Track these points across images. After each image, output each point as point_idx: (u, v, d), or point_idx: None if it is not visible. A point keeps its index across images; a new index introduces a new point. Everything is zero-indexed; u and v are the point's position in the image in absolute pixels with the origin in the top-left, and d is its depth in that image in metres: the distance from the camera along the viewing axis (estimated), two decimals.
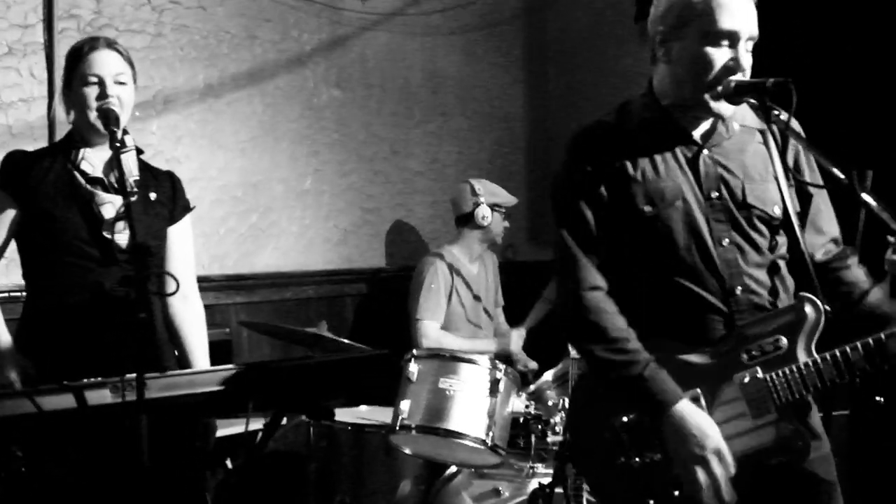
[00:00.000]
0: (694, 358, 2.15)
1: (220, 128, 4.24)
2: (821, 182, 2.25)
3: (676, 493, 2.09)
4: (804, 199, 2.26)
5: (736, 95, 2.09)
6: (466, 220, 4.46)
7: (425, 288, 4.31)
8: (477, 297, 4.46)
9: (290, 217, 4.51)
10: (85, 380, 2.36)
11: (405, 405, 3.35)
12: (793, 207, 2.19)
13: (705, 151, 2.21)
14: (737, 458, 2.05)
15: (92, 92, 2.77)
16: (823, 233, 2.29)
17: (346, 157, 4.71)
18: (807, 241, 2.22)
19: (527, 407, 3.53)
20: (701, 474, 2.03)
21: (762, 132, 2.23)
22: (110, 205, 2.78)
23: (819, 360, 2.07)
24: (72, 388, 2.24)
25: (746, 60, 2.12)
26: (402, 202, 4.96)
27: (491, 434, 3.27)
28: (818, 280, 2.15)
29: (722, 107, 2.13)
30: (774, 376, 2.09)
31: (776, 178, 2.19)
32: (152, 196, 2.93)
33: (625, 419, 2.15)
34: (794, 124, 2.13)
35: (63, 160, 2.82)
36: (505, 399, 3.37)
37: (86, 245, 2.77)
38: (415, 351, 3.47)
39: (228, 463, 3.88)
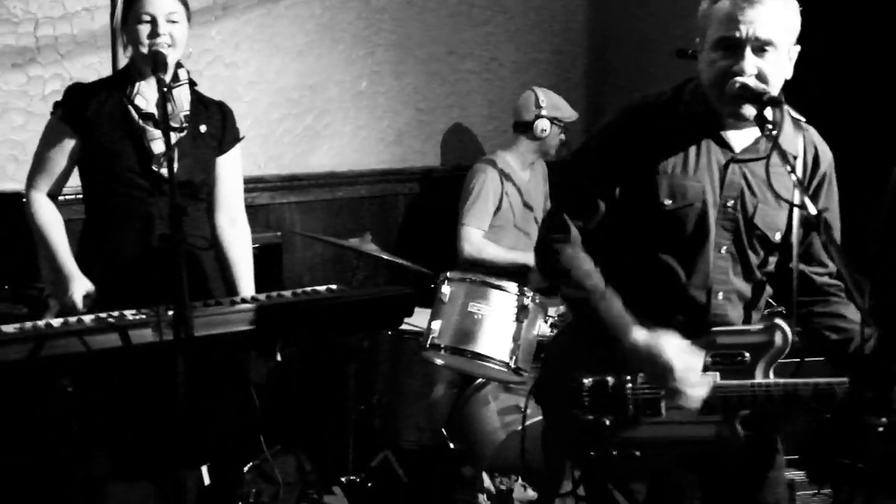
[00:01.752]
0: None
1: (278, 31, 4.34)
2: (836, 218, 2.35)
3: (615, 453, 2.28)
4: (809, 228, 2.29)
5: (738, 98, 2.13)
6: (525, 129, 4.52)
7: (474, 194, 4.43)
8: (527, 205, 4.55)
9: (344, 118, 4.63)
10: (128, 312, 2.62)
11: (436, 325, 3.56)
12: (797, 237, 2.26)
13: (737, 161, 2.26)
14: (680, 441, 2.24)
15: (145, 30, 2.88)
16: (823, 264, 2.37)
17: (403, 58, 4.78)
18: (805, 269, 2.33)
19: (552, 330, 3.70)
20: (674, 390, 2.21)
21: (795, 157, 2.26)
22: (160, 140, 2.93)
23: (771, 384, 2.21)
24: (116, 328, 2.49)
25: (755, 64, 2.13)
26: (457, 103, 5.03)
27: (515, 357, 3.47)
28: (809, 302, 2.32)
29: (747, 109, 2.15)
30: (728, 385, 2.23)
31: (791, 205, 2.24)
32: (202, 129, 3.07)
33: (587, 381, 2.30)
34: (813, 144, 2.24)
35: (119, 94, 2.97)
36: (531, 324, 3.55)
37: (137, 177, 2.94)
38: (448, 273, 3.64)
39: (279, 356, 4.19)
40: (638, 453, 2.28)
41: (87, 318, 2.60)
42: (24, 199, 3.02)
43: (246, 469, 3.74)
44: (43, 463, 2.78)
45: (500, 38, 5.10)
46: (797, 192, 2.20)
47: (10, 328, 2.51)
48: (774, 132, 2.05)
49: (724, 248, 2.27)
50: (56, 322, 2.57)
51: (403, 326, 3.96)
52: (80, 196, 3.10)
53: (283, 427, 4.00)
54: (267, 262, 4.07)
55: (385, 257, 3.93)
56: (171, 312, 2.46)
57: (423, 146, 4.94)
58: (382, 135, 4.78)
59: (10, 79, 3.64)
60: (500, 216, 4.48)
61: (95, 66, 3.76)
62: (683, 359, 2.20)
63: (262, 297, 2.92)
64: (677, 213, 2.26)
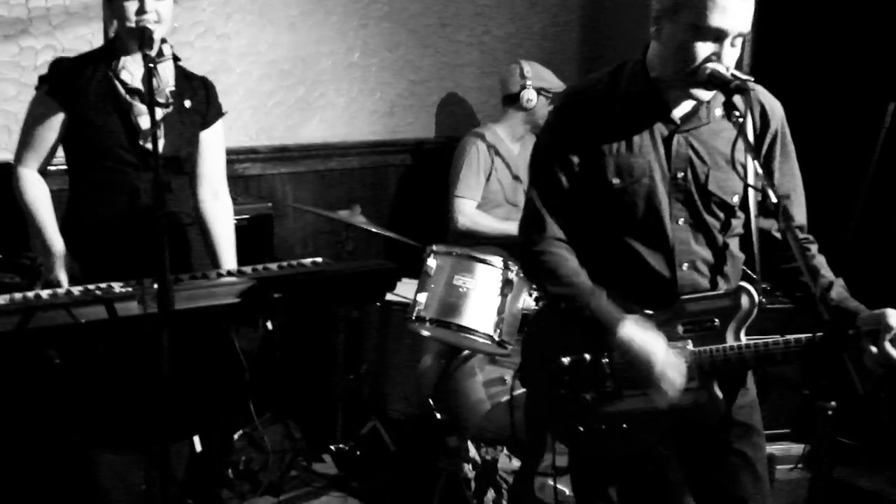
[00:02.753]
0: (635, 319, 2.32)
1: (270, 3, 4.34)
2: (795, 173, 2.37)
3: (603, 427, 2.34)
4: (770, 184, 2.34)
5: (707, 83, 2.16)
6: (512, 101, 4.55)
7: (465, 167, 4.46)
8: (516, 178, 4.58)
9: (337, 89, 4.65)
10: (115, 285, 2.67)
11: (422, 297, 3.62)
12: (754, 196, 2.28)
13: (681, 133, 2.30)
14: (661, 411, 2.28)
15: (132, 6, 2.89)
16: (790, 218, 2.33)
17: (395, 29, 4.78)
18: (768, 223, 2.35)
19: (537, 303, 3.75)
20: (654, 392, 2.26)
21: (743, 116, 2.29)
22: (147, 115, 2.96)
23: (743, 346, 2.26)
24: (102, 300, 2.53)
25: (729, 55, 2.16)
26: (450, 75, 5.04)
27: (499, 330, 3.53)
28: (776, 259, 2.33)
29: (699, 92, 2.21)
30: (701, 351, 2.29)
31: (744, 166, 2.27)
32: (187, 104, 3.10)
33: (566, 360, 2.36)
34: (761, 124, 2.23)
35: (105, 68, 2.99)
36: (516, 297, 3.60)
37: (124, 151, 2.97)
38: (434, 246, 3.69)
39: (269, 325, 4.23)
40: (625, 426, 2.34)
41: (76, 290, 2.65)
42: (12, 174, 3.05)
43: (236, 437, 3.80)
44: (32, 431, 2.83)
45: (493, 10, 5.10)
46: (749, 155, 2.25)
47: (1, 299, 2.56)
48: (741, 119, 2.08)
49: (682, 219, 2.31)
50: (45, 294, 2.62)
51: (392, 297, 4.03)
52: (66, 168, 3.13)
53: (272, 396, 4.06)
54: (258, 232, 4.12)
55: (373, 230, 3.97)
56: (155, 286, 2.51)
57: (416, 118, 4.96)
58: (375, 106, 4.80)
59: (3, 49, 3.67)
60: (490, 188, 4.51)
61: (87, 38, 3.77)
62: (670, 361, 2.25)
63: (247, 269, 2.96)
64: (627, 191, 2.30)
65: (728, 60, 2.17)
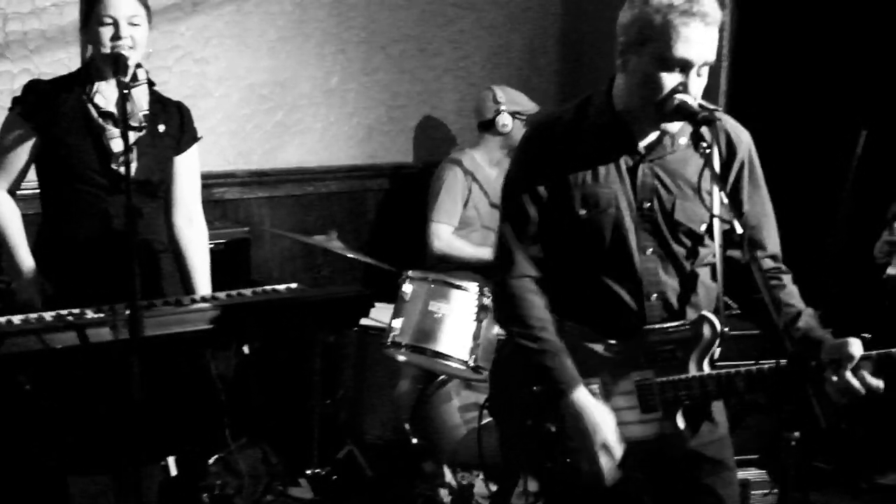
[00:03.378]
0: (600, 349, 2.33)
1: (249, 28, 4.37)
2: (765, 201, 2.38)
3: (569, 460, 2.32)
4: (738, 217, 2.35)
5: (675, 115, 2.18)
6: (487, 127, 4.57)
7: (442, 192, 4.47)
8: (494, 205, 4.60)
9: (315, 114, 4.67)
10: (88, 311, 2.66)
11: (397, 323, 3.62)
12: (719, 225, 2.27)
13: (646, 162, 2.31)
14: (625, 442, 2.27)
15: (107, 32, 2.91)
16: (762, 247, 2.39)
17: (373, 55, 4.81)
18: (741, 256, 2.33)
19: None
20: (587, 462, 2.26)
21: (710, 147, 2.29)
22: (119, 139, 2.96)
23: (706, 376, 2.26)
24: (74, 326, 2.53)
25: (696, 85, 2.18)
26: (428, 100, 5.07)
27: (474, 356, 3.54)
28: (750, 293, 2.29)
29: (667, 124, 2.23)
30: (664, 381, 2.28)
31: (710, 195, 2.27)
32: (161, 128, 3.10)
33: (535, 388, 2.34)
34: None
35: (79, 92, 3.00)
36: (491, 323, 3.61)
37: (96, 175, 2.97)
38: (409, 272, 3.70)
39: (245, 349, 4.22)
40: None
41: (48, 316, 2.64)
42: None
43: (211, 461, 3.79)
44: (4, 455, 2.82)
45: (470, 35, 5.13)
46: (715, 185, 2.27)
47: None
48: (708, 150, 2.11)
49: (650, 249, 2.31)
50: (16, 319, 2.62)
51: (369, 323, 4.03)
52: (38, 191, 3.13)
53: (248, 420, 4.05)
54: (234, 256, 4.13)
55: (349, 255, 3.97)
56: (128, 312, 2.52)
57: (394, 143, 4.98)
58: (353, 131, 4.82)
59: None
60: (466, 214, 4.52)
61: (64, 62, 3.77)
62: (613, 440, 2.25)
63: (221, 295, 2.98)
64: (593, 221, 2.30)
65: (695, 90, 2.19)
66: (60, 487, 2.91)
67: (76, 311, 2.65)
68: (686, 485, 2.40)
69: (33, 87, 3.03)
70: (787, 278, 2.41)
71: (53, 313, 2.66)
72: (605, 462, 2.25)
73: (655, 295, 2.32)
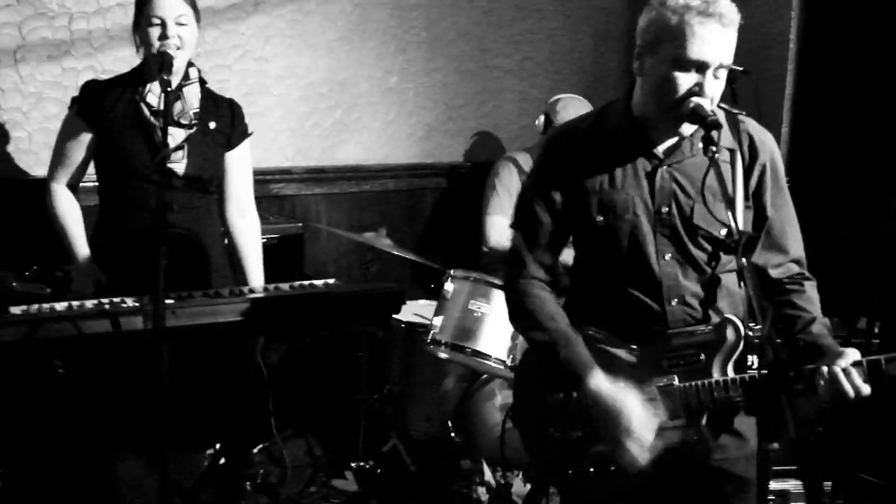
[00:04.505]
0: (622, 353, 2.32)
1: (308, 28, 4.46)
2: (789, 206, 2.35)
3: (592, 469, 2.32)
4: (760, 220, 2.33)
5: (689, 119, 2.17)
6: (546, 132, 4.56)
7: (499, 186, 4.49)
8: None
9: (374, 113, 4.73)
10: (128, 300, 2.77)
11: (438, 321, 3.66)
12: (743, 227, 2.23)
13: (664, 167, 2.29)
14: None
15: (155, 32, 3.02)
16: (784, 252, 2.36)
17: (434, 55, 4.85)
18: (763, 259, 2.33)
19: None
20: (618, 447, 2.23)
21: (732, 151, 2.28)
22: (171, 137, 3.07)
23: (728, 380, 2.22)
24: (108, 314, 2.64)
25: (713, 86, 2.17)
26: (488, 100, 5.09)
27: (512, 356, 3.55)
28: (766, 296, 2.26)
29: (684, 126, 2.22)
30: (687, 386, 2.25)
31: (732, 199, 2.24)
32: (212, 125, 3.20)
33: (553, 398, 2.36)
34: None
35: (132, 91, 3.12)
36: None
37: (148, 171, 3.08)
38: (452, 270, 3.73)
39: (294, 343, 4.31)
40: (613, 468, 2.30)
41: (89, 304, 2.76)
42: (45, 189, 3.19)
43: (255, 451, 3.88)
44: (44, 435, 2.95)
45: (533, 36, 5.14)
46: (738, 188, 2.24)
47: (17, 310, 2.68)
48: (717, 155, 2.09)
49: (668, 254, 2.29)
50: (59, 306, 2.74)
51: (417, 319, 4.08)
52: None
53: (295, 412, 4.13)
54: (288, 251, 4.22)
55: (396, 252, 4.02)
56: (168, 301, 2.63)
57: (453, 142, 5.01)
58: (411, 130, 4.87)
59: (46, 70, 3.83)
60: None
61: (127, 59, 3.87)
62: (640, 417, 2.22)
63: (260, 289, 3.06)
64: (610, 227, 2.31)
65: (711, 92, 2.17)
66: (104, 468, 3.03)
67: (115, 299, 2.75)
68: (709, 499, 2.37)
69: (90, 87, 3.16)
70: (808, 285, 2.38)
71: (95, 301, 2.78)
72: (632, 447, 2.21)
73: (676, 300, 2.31)
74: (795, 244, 2.39)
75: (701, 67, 2.15)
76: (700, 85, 2.16)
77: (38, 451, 2.99)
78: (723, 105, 2.36)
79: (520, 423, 2.56)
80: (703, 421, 2.26)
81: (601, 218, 2.31)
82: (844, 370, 2.10)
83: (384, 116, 4.77)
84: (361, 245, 4.53)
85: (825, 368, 2.13)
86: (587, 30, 5.40)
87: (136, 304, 2.73)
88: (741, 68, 3.79)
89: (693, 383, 2.26)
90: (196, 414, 3.06)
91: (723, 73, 2.19)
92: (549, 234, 2.39)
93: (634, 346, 2.33)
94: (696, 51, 2.13)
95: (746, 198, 2.30)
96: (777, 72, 4.73)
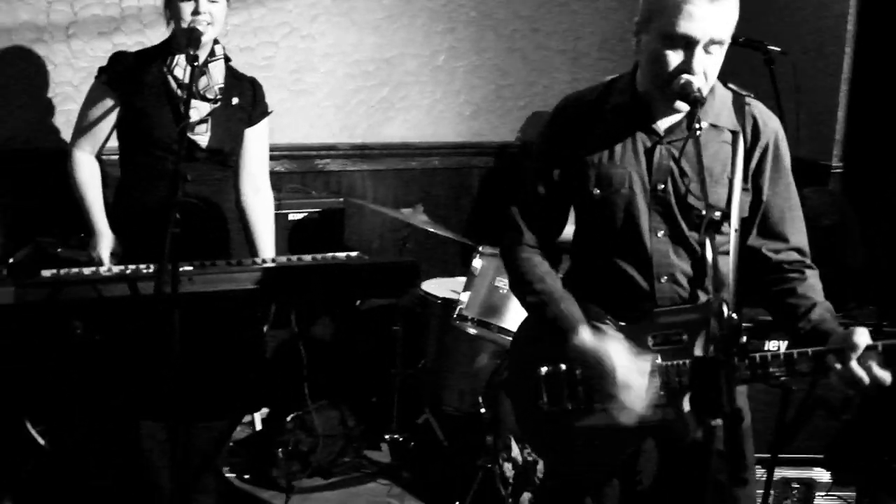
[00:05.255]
0: (609, 329, 2.31)
1: (356, 6, 4.52)
2: (790, 192, 2.32)
3: (578, 443, 2.32)
4: (756, 203, 2.31)
5: (678, 96, 2.15)
6: None
7: None
8: None
9: (421, 91, 4.78)
10: (143, 267, 2.88)
11: (465, 296, 3.70)
12: (738, 211, 2.22)
13: (664, 144, 2.28)
14: (629, 428, 2.24)
15: (188, 7, 3.09)
16: (784, 239, 2.33)
17: (484, 34, 4.86)
18: (760, 243, 2.32)
19: None
20: (611, 400, 2.23)
21: (734, 133, 2.26)
22: (195, 110, 3.16)
23: (706, 360, 2.19)
24: (126, 279, 2.75)
25: (704, 63, 2.13)
26: (538, 80, 5.08)
27: None
28: (767, 281, 2.31)
29: (679, 104, 2.19)
30: (669, 365, 2.24)
31: (730, 181, 2.22)
32: (234, 101, 3.27)
33: (545, 370, 2.36)
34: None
35: (160, 64, 3.21)
36: None
37: (172, 141, 3.18)
38: (481, 247, 3.76)
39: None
40: (598, 443, 2.32)
41: (116, 269, 2.88)
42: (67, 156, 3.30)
43: (288, 419, 3.98)
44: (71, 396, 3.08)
45: (585, 16, 5.10)
46: (738, 170, 2.22)
47: (47, 273, 2.81)
48: (699, 133, 2.07)
49: (661, 231, 2.28)
50: (87, 271, 2.86)
51: (453, 295, 4.12)
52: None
53: (329, 382, 4.23)
54: (328, 226, 4.30)
55: (430, 229, 4.06)
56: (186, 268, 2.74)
57: (502, 121, 5.02)
58: (460, 108, 4.90)
59: (97, 46, 3.98)
60: None
61: None
62: (628, 366, 2.21)
63: (282, 259, 3.14)
64: (606, 201, 2.30)
65: (700, 67, 2.13)
66: (131, 426, 3.15)
67: (133, 266, 2.86)
68: (696, 480, 2.30)
69: (119, 58, 3.25)
70: (810, 273, 2.34)
71: (121, 267, 2.89)
72: (625, 395, 2.20)
73: (666, 277, 2.30)
74: (796, 232, 2.35)
75: (689, 43, 2.13)
76: (687, 62, 2.14)
77: (66, 410, 3.12)
78: (730, 85, 2.34)
79: (511, 392, 2.58)
80: (685, 402, 2.23)
81: (598, 191, 2.31)
82: (860, 360, 2.06)
83: (431, 94, 4.81)
84: (401, 221, 4.59)
85: (837, 364, 2.09)
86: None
87: (154, 271, 2.83)
88: (778, 48, 3.77)
89: (673, 362, 2.24)
90: (214, 379, 3.14)
91: (717, 50, 2.16)
92: (547, 206, 2.40)
93: (623, 324, 2.32)
94: (682, 25, 2.11)
95: (745, 180, 2.28)
96: (834, 55, 4.61)
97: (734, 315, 2.09)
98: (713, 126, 2.28)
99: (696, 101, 2.08)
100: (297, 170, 4.53)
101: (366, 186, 4.72)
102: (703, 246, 2.03)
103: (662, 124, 2.30)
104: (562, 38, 5.10)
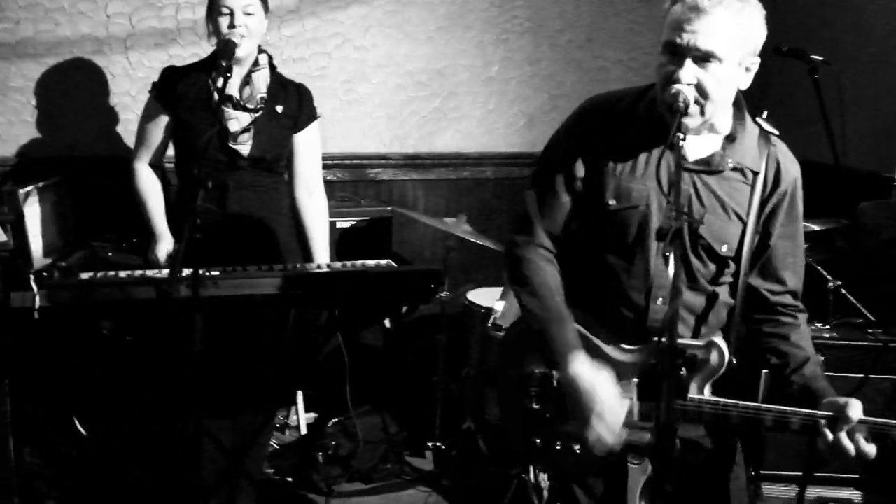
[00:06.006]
0: (609, 350, 2.31)
1: (408, 18, 4.58)
2: (797, 238, 2.33)
3: (558, 446, 2.33)
4: (763, 246, 2.31)
5: (666, 105, 2.13)
6: None
7: None
8: None
9: (473, 102, 4.81)
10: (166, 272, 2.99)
11: (499, 305, 3.72)
12: (749, 252, 2.23)
13: (689, 170, 2.25)
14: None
15: (224, 21, 3.22)
16: (783, 282, 2.34)
17: (538, 44, 4.87)
18: (758, 283, 2.33)
19: None
20: (588, 430, 2.22)
21: (755, 174, 2.26)
22: (235, 120, 3.26)
23: (702, 402, 2.21)
24: (153, 282, 2.85)
25: (694, 74, 2.11)
26: (594, 90, 4.99)
27: None
28: (759, 319, 2.35)
29: (710, 138, 2.21)
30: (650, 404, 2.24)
31: (744, 221, 2.24)
32: (279, 109, 3.37)
33: (535, 371, 2.36)
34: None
35: (205, 76, 3.33)
36: None
37: (217, 151, 3.28)
38: None
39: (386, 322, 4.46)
40: (578, 449, 2.32)
41: (137, 273, 3.00)
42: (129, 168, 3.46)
43: (329, 424, 4.05)
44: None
45: (641, 26, 5.06)
46: (753, 209, 2.21)
47: (86, 275, 2.94)
48: (681, 143, 2.05)
49: (667, 254, 2.25)
50: (123, 274, 2.98)
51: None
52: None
53: (373, 389, 4.28)
54: (376, 234, 4.37)
55: (471, 239, 4.08)
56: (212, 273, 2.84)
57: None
58: (513, 119, 4.92)
59: (154, 57, 4.12)
60: None
61: None
62: (612, 405, 2.22)
63: (313, 265, 3.22)
64: (621, 215, 2.28)
65: (688, 78, 2.11)
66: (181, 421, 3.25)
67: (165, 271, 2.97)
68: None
69: (167, 72, 3.39)
70: (802, 318, 2.37)
71: (154, 271, 3.01)
72: (601, 429, 2.21)
73: (661, 299, 2.29)
74: (794, 277, 2.37)
75: (675, 53, 2.12)
76: (674, 72, 2.12)
77: (98, 407, 3.25)
78: (759, 120, 2.32)
79: (498, 386, 2.57)
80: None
81: (614, 202, 2.28)
82: (848, 433, 2.09)
83: (484, 105, 4.84)
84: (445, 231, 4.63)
85: (826, 430, 2.12)
86: None
87: (183, 276, 2.92)
88: (821, 58, 3.69)
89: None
90: (239, 379, 3.23)
91: (716, 66, 2.11)
92: (564, 209, 2.36)
93: (625, 347, 2.31)
94: (669, 34, 2.12)
95: (757, 222, 2.29)
96: None
97: (734, 360, 2.12)
98: (738, 166, 2.27)
99: (676, 111, 2.07)
100: (348, 179, 4.61)
101: (416, 196, 4.77)
102: (666, 259, 2.01)
103: (692, 151, 2.26)
104: (617, 48, 5.08)
